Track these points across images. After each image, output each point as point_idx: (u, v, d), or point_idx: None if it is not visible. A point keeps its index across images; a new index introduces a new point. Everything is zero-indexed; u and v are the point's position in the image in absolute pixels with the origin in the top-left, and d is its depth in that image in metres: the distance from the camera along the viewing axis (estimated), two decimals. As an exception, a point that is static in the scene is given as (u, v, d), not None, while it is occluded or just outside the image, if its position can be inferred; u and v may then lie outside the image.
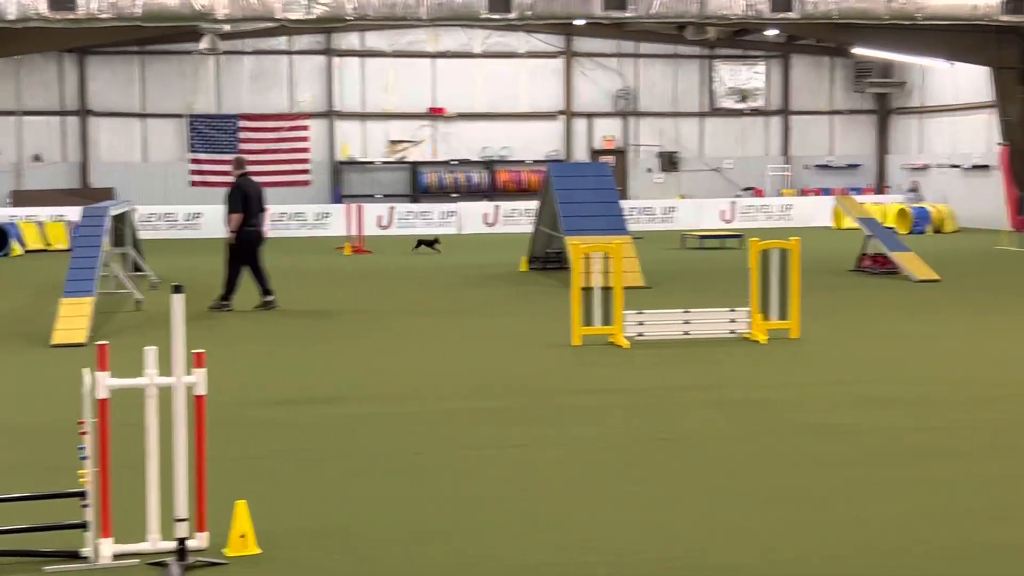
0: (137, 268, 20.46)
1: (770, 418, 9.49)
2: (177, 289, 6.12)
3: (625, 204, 33.67)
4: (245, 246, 16.66)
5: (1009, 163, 33.63)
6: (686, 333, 13.64)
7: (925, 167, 38.06)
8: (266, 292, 16.84)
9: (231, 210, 16.62)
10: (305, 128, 36.55)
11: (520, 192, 37.04)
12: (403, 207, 35.66)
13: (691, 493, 7.29)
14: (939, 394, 10.45)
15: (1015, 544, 6.19)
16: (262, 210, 16.95)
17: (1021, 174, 33.78)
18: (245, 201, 16.56)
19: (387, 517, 6.84)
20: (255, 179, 17.44)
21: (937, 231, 33.27)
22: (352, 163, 37.34)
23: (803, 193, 38.91)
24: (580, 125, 38.76)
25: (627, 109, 38.86)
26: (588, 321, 13.50)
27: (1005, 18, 25.53)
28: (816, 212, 36.93)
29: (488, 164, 37.72)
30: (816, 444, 8.59)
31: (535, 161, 37.45)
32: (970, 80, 35.61)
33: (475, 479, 7.73)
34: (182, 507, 6.10)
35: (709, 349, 13.01)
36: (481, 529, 6.62)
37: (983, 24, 27.62)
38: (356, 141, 37.54)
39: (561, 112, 38.46)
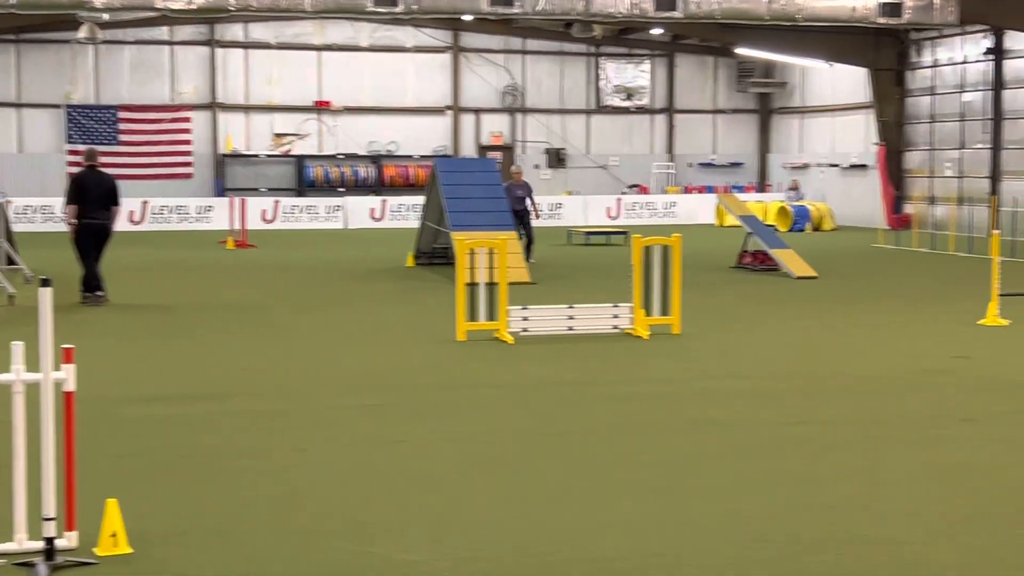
0: (11, 262, 19.87)
1: (651, 413, 9.57)
2: (45, 283, 5.94)
3: (512, 200, 33.79)
4: (84, 238, 16.34)
5: (885, 163, 34.51)
6: (570, 329, 13.70)
7: (805, 166, 38.85)
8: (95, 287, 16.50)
9: (67, 201, 16.40)
10: (187, 120, 35.96)
11: (407, 187, 36.91)
12: (288, 201, 35.27)
13: (571, 488, 7.31)
14: (814, 389, 10.65)
15: (880, 537, 6.32)
16: (110, 204, 16.53)
17: (897, 174, 34.69)
18: (81, 193, 16.27)
19: (264, 515, 6.74)
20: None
21: (816, 229, 33.99)
22: (236, 156, 36.79)
23: (687, 191, 39.45)
24: (468, 121, 38.75)
25: (515, 105, 38.96)
26: (473, 316, 13.48)
27: (882, 20, 26.21)
28: (700, 209, 37.50)
29: (375, 158, 37.49)
30: (695, 438, 8.68)
31: (422, 156, 37.33)
32: (848, 81, 36.45)
33: (356, 475, 7.66)
34: (50, 506, 5.93)
35: (592, 344, 13.09)
36: (361, 526, 6.55)
37: (861, 26, 28.34)
38: (240, 134, 37.01)
39: (449, 107, 38.40)
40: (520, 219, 22.62)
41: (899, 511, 6.77)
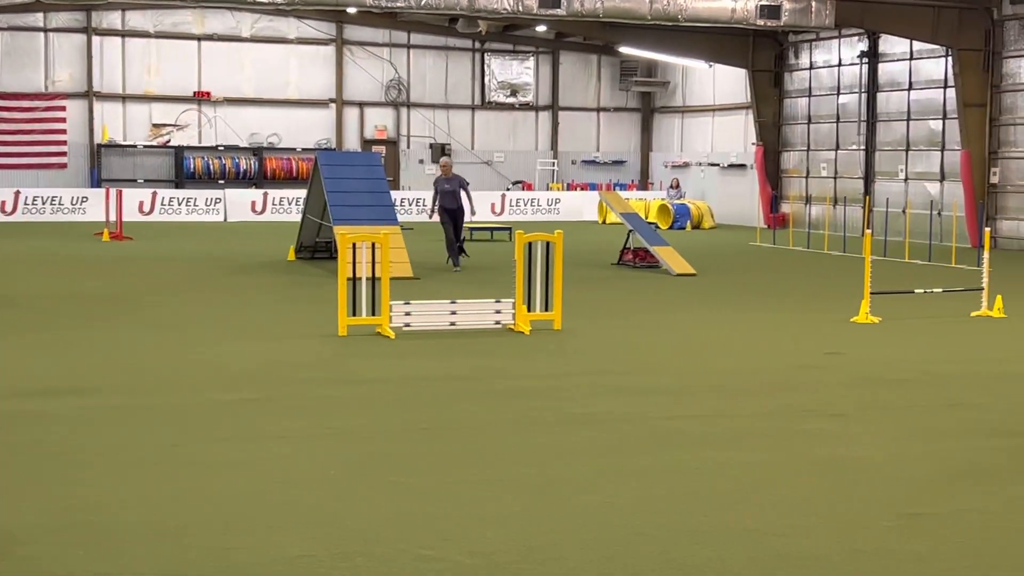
0: None
1: (532, 408, 9.61)
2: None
3: (396, 195, 33.68)
4: None
5: (763, 163, 35.17)
6: (452, 324, 13.70)
7: (686, 165, 39.39)
8: None
9: None
10: (62, 109, 35.07)
11: (289, 180, 36.51)
12: (166, 193, 34.62)
13: (451, 482, 7.31)
14: (691, 384, 10.81)
15: (753, 529, 6.44)
16: None
17: (774, 173, 35.39)
18: None
19: (136, 511, 6.60)
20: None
21: (696, 227, 34.51)
22: (113, 146, 35.96)
23: (571, 188, 39.72)
24: (351, 114, 38.47)
25: (399, 100, 38.79)
26: (354, 311, 13.40)
27: (761, 22, 26.71)
28: (583, 206, 37.80)
29: (256, 151, 36.99)
30: (575, 432, 8.75)
31: (305, 149, 36.97)
32: (728, 81, 37.06)
33: (232, 471, 7.55)
34: (-90, 505, 5.73)
35: (475, 340, 13.11)
36: (236, 522, 6.46)
37: (741, 28, 28.83)
38: (117, 124, 36.18)
39: (332, 100, 38.06)
40: (451, 218, 21.07)
41: (772, 503, 6.91)
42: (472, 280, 19.41)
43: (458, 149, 39.44)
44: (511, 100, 40.03)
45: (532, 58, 40.13)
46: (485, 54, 39.58)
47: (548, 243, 14.08)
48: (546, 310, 13.98)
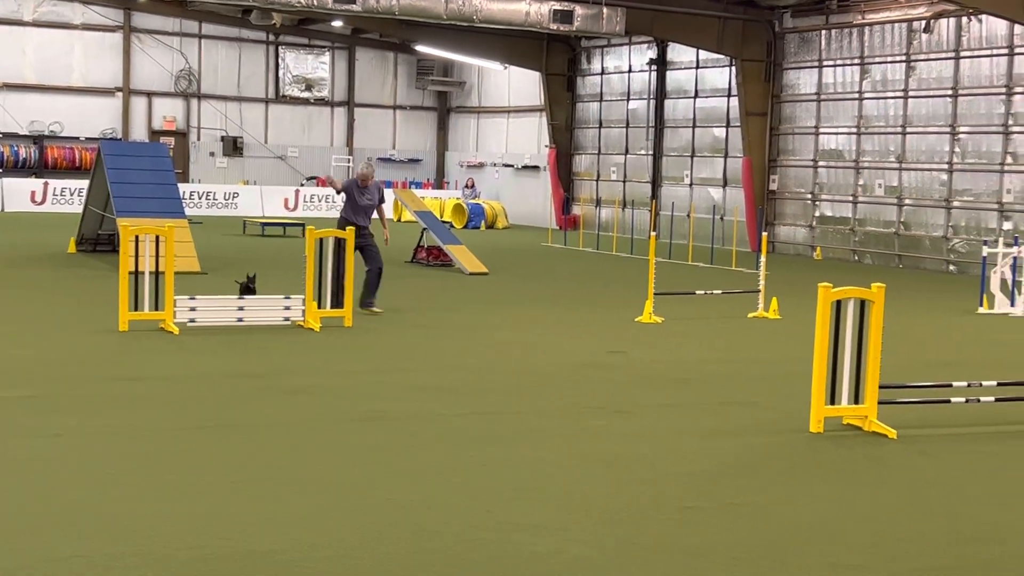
0: None
1: (318, 406, 9.53)
2: None
3: (185, 188, 32.90)
4: None
5: (556, 165, 35.75)
6: (240, 320, 13.46)
7: (481, 165, 39.72)
8: None
9: None
10: None
11: (72, 170, 35.19)
12: (-61, 181, 32.91)
13: (234, 481, 7.17)
14: (479, 382, 10.90)
15: (532, 523, 6.54)
16: None
17: (566, 176, 36.02)
18: None
19: None
20: None
21: (490, 227, 34.82)
22: None
23: (365, 185, 39.48)
24: (139, 104, 37.33)
25: (189, 90, 37.86)
26: (137, 306, 13.01)
27: (554, 27, 27.12)
28: (377, 204, 37.62)
29: (37, 139, 35.51)
30: (361, 430, 8.70)
31: (88, 139, 35.69)
32: (523, 84, 37.53)
33: (4, 470, 7.22)
34: None
35: (263, 336, 12.90)
36: (6, 522, 6.18)
37: (534, 31, 29.20)
38: None
39: (119, 89, 36.86)
40: (363, 240, 14.97)
41: (553, 499, 7.02)
42: (261, 276, 19.07)
43: (251, 143, 38.77)
44: (306, 95, 39.59)
45: (328, 53, 39.77)
46: (279, 47, 39.02)
47: (340, 239, 13.97)
48: (337, 307, 13.88)
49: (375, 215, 15.43)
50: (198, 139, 38.22)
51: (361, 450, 8.09)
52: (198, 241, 20.11)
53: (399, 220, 35.36)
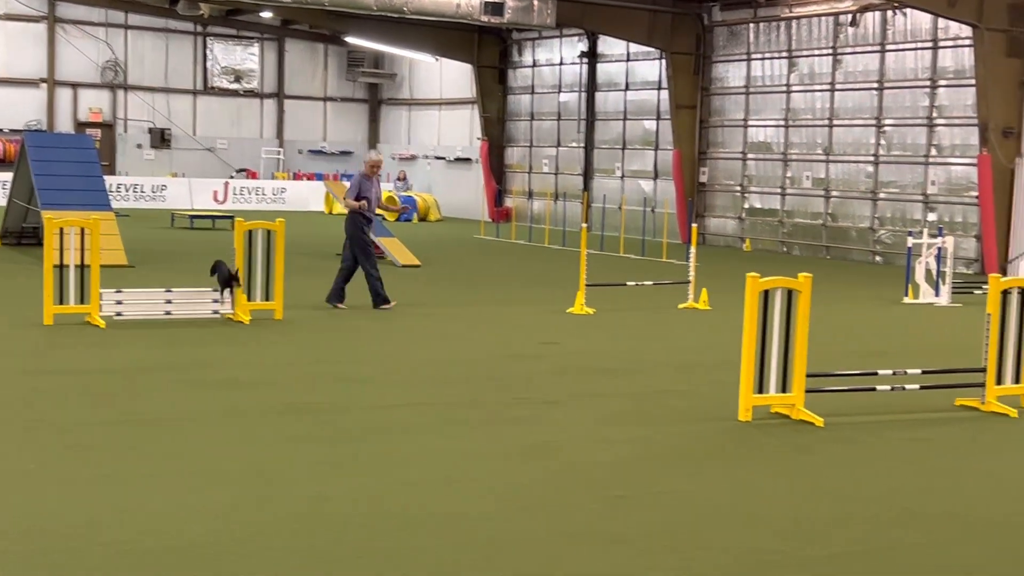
0: None
1: (245, 398, 9.44)
2: None
3: (112, 180, 32.48)
4: None
5: (488, 157, 35.75)
6: (168, 313, 13.30)
7: (413, 157, 39.60)
8: None
9: None
10: None
11: (-5, 163, 34.55)
12: None
13: (157, 475, 7.08)
14: (409, 373, 10.86)
15: (459, 513, 6.53)
16: None
17: (499, 168, 36.02)
18: None
19: None
20: None
21: (423, 219, 34.73)
22: None
23: (297, 177, 39.24)
24: (64, 95, 36.74)
25: (116, 82, 37.34)
26: (62, 299, 12.80)
27: (485, 19, 27.09)
28: (309, 196, 37.42)
29: (-41, 131, 34.85)
30: (287, 423, 8.64)
31: (12, 130, 35.05)
32: (455, 76, 37.46)
33: (-82, 468, 7.08)
34: None
35: (191, 329, 12.77)
36: (-80, 522, 6.07)
37: (466, 23, 29.17)
38: None
39: (43, 80, 36.25)
40: (363, 234, 14.91)
41: (480, 489, 7.02)
42: (190, 269, 18.89)
43: (179, 135, 38.33)
44: (235, 86, 39.21)
45: (257, 44, 39.42)
46: (208, 38, 38.60)
47: (269, 231, 13.85)
48: (267, 299, 13.76)
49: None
50: (125, 131, 37.71)
51: (287, 442, 8.03)
52: (125, 234, 19.83)
53: (330, 213, 35.16)
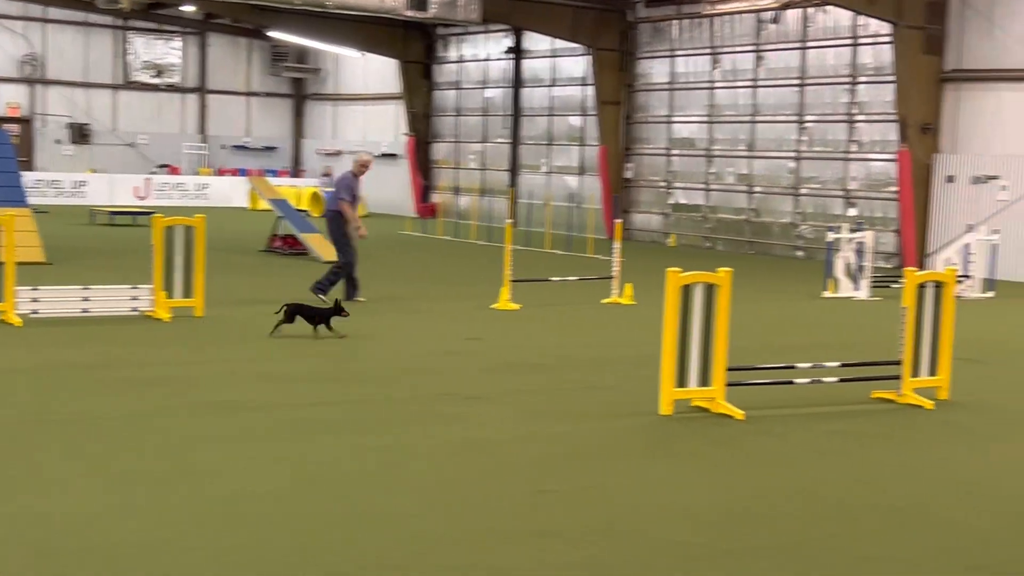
0: None
1: (165, 396, 9.31)
2: None
3: (30, 176, 31.89)
4: None
5: (414, 153, 35.63)
6: (85, 311, 13.09)
7: (338, 153, 39.35)
8: None
9: None
10: None
11: (-91, 158, 33.75)
12: None
13: (74, 476, 6.96)
14: (333, 371, 10.80)
15: (386, 511, 6.50)
16: None
17: (425, 164, 35.92)
18: None
19: None
20: None
21: (347, 215, 34.47)
22: None
23: (220, 173, 38.83)
24: (-20, 89, 36.05)
25: (34, 76, 36.67)
26: (-24, 298, 12.54)
27: (410, 14, 26.99)
28: (233, 192, 37.05)
29: None
30: (209, 422, 8.54)
31: (-73, 125, 34.31)
32: (380, 71, 37.29)
33: None
34: None
35: (109, 327, 12.58)
36: None
37: (391, 18, 29.04)
38: None
39: (-42, 74, 35.54)
40: (343, 233, 15.06)
41: (406, 486, 6.99)
42: (108, 265, 18.62)
43: (99, 130, 37.77)
44: (156, 81, 38.69)
45: (179, 39, 38.92)
46: (128, 32, 38.06)
47: (189, 227, 13.68)
48: (187, 296, 13.59)
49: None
50: (43, 126, 37.05)
51: (207, 442, 7.93)
52: (43, 231, 19.48)
53: (254, 209, 34.84)
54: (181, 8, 36.07)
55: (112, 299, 13.35)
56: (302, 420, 8.69)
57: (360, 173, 15.30)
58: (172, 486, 6.81)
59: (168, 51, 38.82)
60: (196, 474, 7.09)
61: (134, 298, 13.34)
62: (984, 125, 22.62)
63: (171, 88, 39.00)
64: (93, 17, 37.04)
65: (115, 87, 38.07)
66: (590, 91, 30.06)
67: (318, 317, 12.33)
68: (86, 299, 13.18)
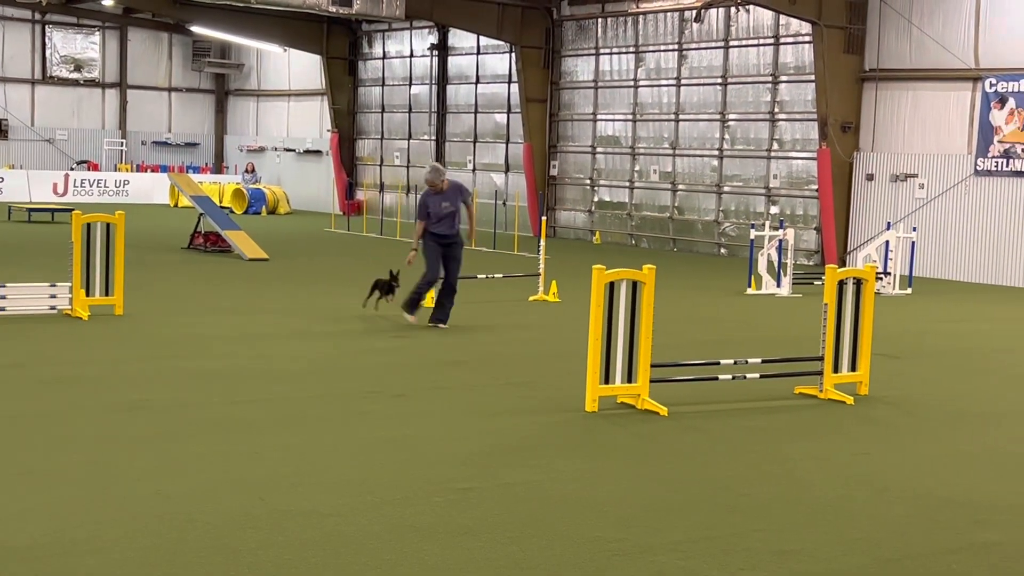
0: None
1: (83, 395, 9.17)
2: None
3: (-57, 172, 31.19)
4: None
5: (338, 150, 35.42)
6: (2, 309, 12.85)
7: (262, 149, 39.00)
8: None
9: None
10: None
11: None
12: None
13: (-12, 477, 6.83)
14: (253, 368, 10.70)
15: (305, 510, 6.44)
16: None
17: (349, 161, 35.71)
18: None
19: None
20: None
21: (272, 212, 34.24)
22: None
23: (140, 169, 38.27)
24: None
25: (-52, 69, 35.88)
26: None
27: (333, 9, 26.82)
28: (154, 189, 36.56)
29: None
30: (128, 420, 8.41)
31: None
32: (304, 67, 37.00)
33: None
34: None
35: (27, 326, 12.35)
36: None
37: (314, 14, 28.83)
38: None
39: None
40: (445, 250, 13.73)
41: (327, 484, 6.94)
42: (27, 263, 18.28)
43: (17, 125, 37.04)
44: (75, 76, 38.03)
45: (98, 33, 38.29)
46: (46, 26, 37.35)
47: (109, 225, 13.47)
48: (106, 294, 13.39)
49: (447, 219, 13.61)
50: (-41, 121, 36.27)
51: (126, 440, 7.82)
52: (-43, 228, 19.09)
53: (175, 205, 34.41)
54: (101, 2, 35.45)
55: (30, 297, 13.11)
56: (223, 419, 8.59)
57: (432, 189, 13.45)
58: (90, 486, 6.70)
59: (87, 46, 38.17)
60: (113, 474, 6.98)
61: (52, 296, 13.12)
62: (903, 124, 23.00)
63: (90, 83, 38.36)
64: (9, 11, 36.33)
65: (33, 82, 37.36)
66: (515, 88, 30.08)
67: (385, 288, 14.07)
68: (3, 297, 12.92)
